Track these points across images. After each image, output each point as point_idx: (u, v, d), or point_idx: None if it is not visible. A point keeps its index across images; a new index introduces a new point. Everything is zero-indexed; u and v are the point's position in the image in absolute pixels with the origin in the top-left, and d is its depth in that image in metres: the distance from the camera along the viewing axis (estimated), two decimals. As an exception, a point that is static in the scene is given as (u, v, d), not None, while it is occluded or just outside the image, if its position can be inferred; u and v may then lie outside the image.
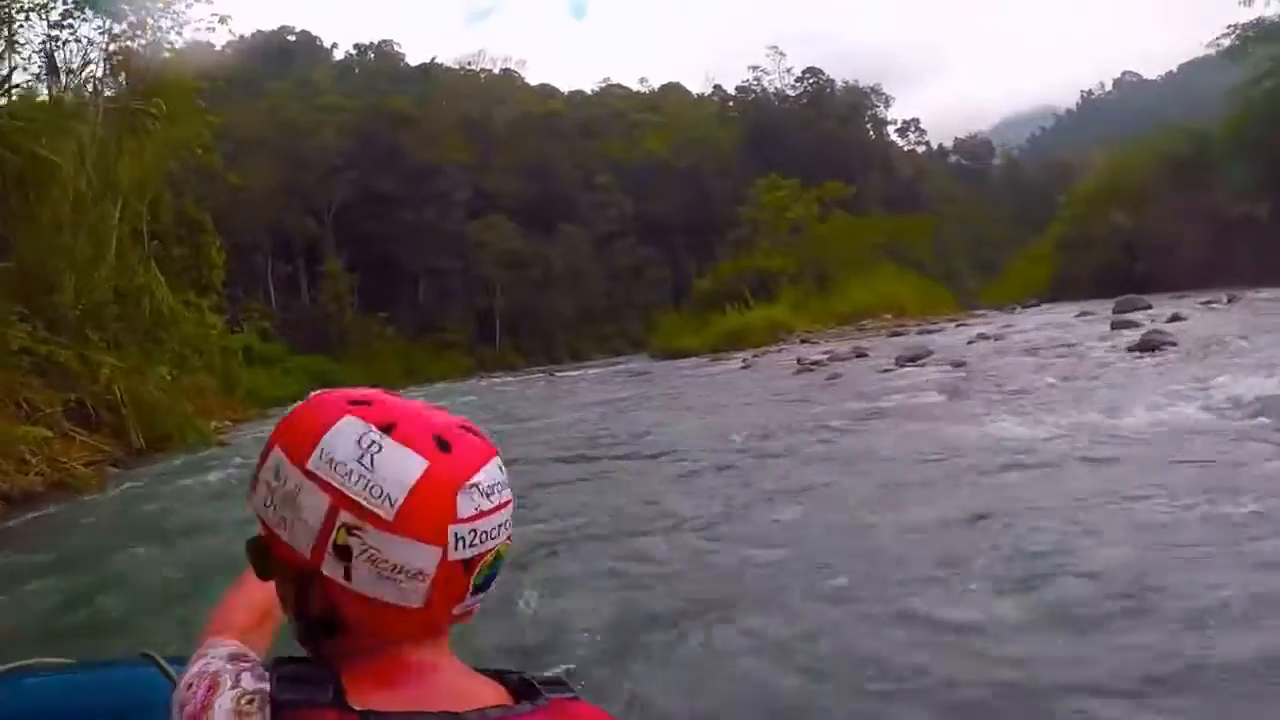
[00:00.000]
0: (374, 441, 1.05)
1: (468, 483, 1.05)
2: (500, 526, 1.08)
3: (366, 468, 1.03)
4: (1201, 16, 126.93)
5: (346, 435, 1.06)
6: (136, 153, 36.29)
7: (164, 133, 37.59)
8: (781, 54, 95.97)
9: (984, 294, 67.50)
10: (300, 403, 1.15)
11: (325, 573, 1.05)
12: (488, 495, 1.06)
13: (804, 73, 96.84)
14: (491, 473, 1.08)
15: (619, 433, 16.15)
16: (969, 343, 24.46)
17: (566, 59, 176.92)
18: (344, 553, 1.03)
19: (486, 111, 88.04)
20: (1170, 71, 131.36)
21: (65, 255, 23.45)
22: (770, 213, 63.98)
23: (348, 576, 1.04)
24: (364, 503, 1.03)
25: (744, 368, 27.58)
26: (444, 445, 1.06)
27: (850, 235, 58.55)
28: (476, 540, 1.05)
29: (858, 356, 23.82)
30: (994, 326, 30.80)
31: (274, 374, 52.36)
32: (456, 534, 1.04)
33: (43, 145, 23.76)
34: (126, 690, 1.27)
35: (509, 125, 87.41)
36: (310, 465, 1.06)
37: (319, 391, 1.16)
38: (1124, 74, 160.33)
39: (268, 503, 1.09)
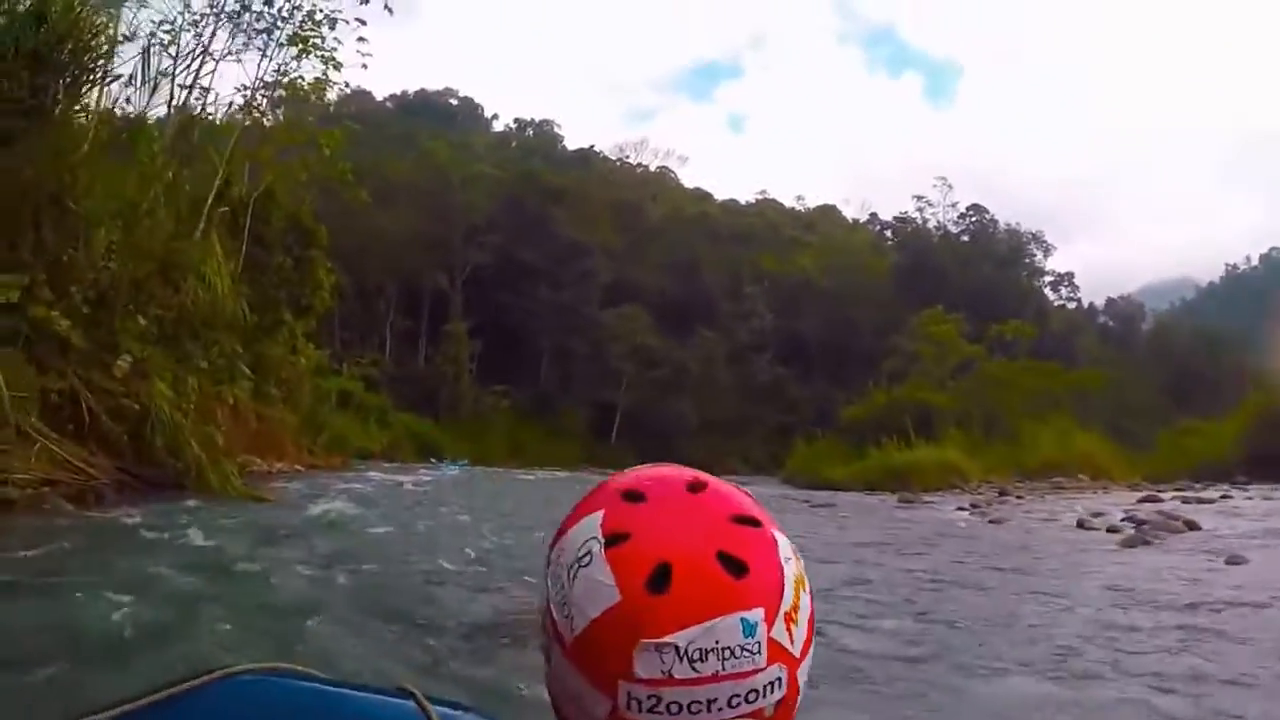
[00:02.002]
0: (590, 553, 0.88)
1: (655, 640, 0.82)
2: (714, 703, 0.82)
3: (569, 581, 0.88)
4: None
5: (580, 535, 0.90)
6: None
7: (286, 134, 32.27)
8: (949, 186, 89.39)
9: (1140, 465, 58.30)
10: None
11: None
12: (692, 661, 0.82)
13: (968, 209, 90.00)
14: (716, 633, 0.83)
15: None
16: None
17: (720, 169, 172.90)
18: (546, 655, 0.93)
19: (640, 202, 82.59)
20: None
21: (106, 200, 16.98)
22: (932, 346, 56.66)
23: (549, 676, 0.93)
24: (556, 616, 0.89)
25: (991, 522, 19.60)
26: (660, 583, 0.84)
27: (1025, 380, 50.45)
28: (662, 708, 0.83)
29: (1170, 530, 15.68)
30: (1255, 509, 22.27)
31: (369, 426, 46.06)
32: (630, 693, 0.83)
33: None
34: None
35: (662, 219, 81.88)
36: (551, 553, 0.94)
37: (650, 465, 0.98)
38: (1271, 249, 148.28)
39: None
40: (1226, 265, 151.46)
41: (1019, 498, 28.63)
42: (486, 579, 9.96)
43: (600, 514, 0.89)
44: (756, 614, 0.82)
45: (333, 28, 26.93)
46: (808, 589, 0.90)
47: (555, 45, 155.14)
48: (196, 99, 25.53)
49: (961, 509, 23.75)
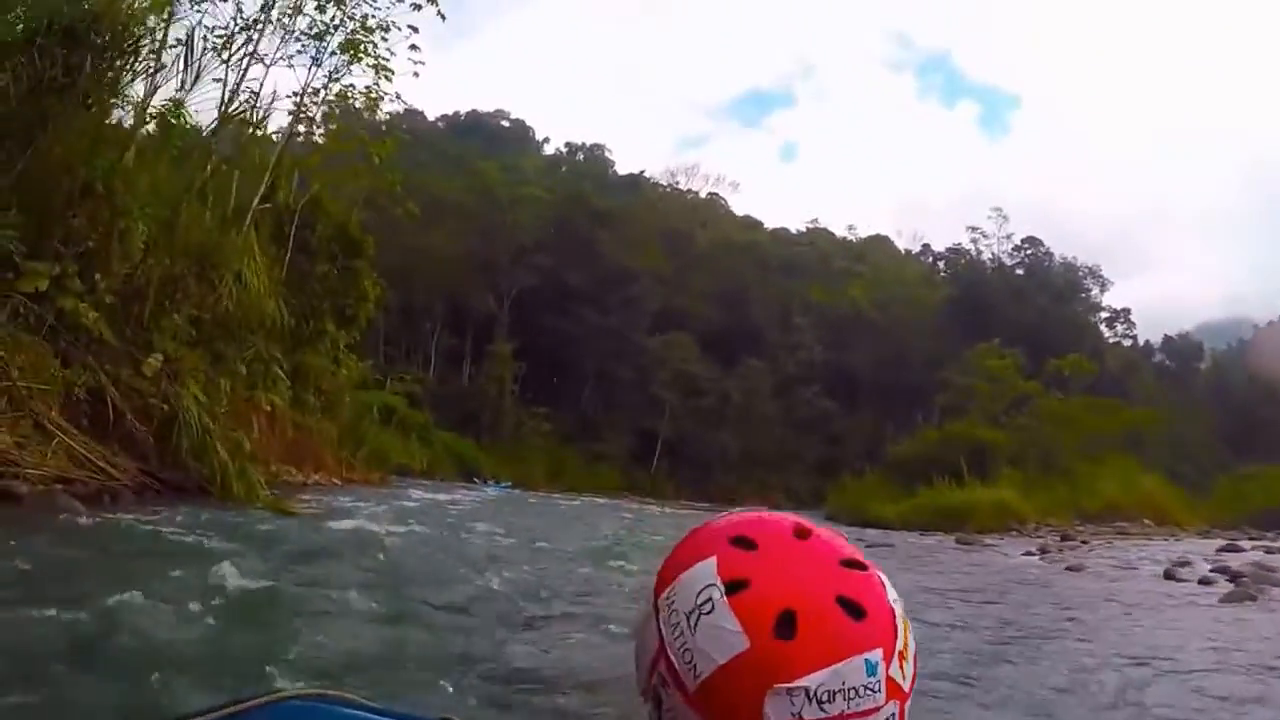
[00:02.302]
0: (711, 600, 0.89)
1: (788, 685, 0.84)
2: None
3: (690, 628, 0.89)
4: None
5: (695, 583, 0.91)
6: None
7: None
8: (1004, 218, 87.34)
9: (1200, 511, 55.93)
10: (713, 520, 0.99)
11: (648, 710, 0.95)
12: (821, 702, 0.84)
13: (1023, 241, 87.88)
14: (843, 674, 0.85)
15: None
16: None
17: (771, 198, 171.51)
18: (657, 701, 0.93)
19: (689, 228, 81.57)
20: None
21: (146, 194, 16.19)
22: (987, 381, 54.98)
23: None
24: (676, 663, 0.89)
25: (1068, 569, 18.07)
26: (787, 628, 0.86)
27: (1084, 419, 48.65)
28: None
29: (1272, 582, 14.24)
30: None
31: (410, 442, 45.16)
32: None
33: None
34: None
35: (710, 246, 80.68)
36: (660, 600, 0.94)
37: (736, 513, 1.00)
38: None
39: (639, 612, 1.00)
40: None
41: (1084, 542, 27.12)
42: (523, 611, 8.98)
43: (713, 560, 0.90)
44: (877, 654, 0.85)
45: (385, 33, 26.24)
46: (910, 627, 0.92)
47: (607, 70, 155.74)
48: (245, 102, 24.94)
49: (1029, 554, 22.29)
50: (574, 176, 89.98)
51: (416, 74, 27.79)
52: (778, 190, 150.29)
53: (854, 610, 0.87)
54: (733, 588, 0.87)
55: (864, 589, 0.89)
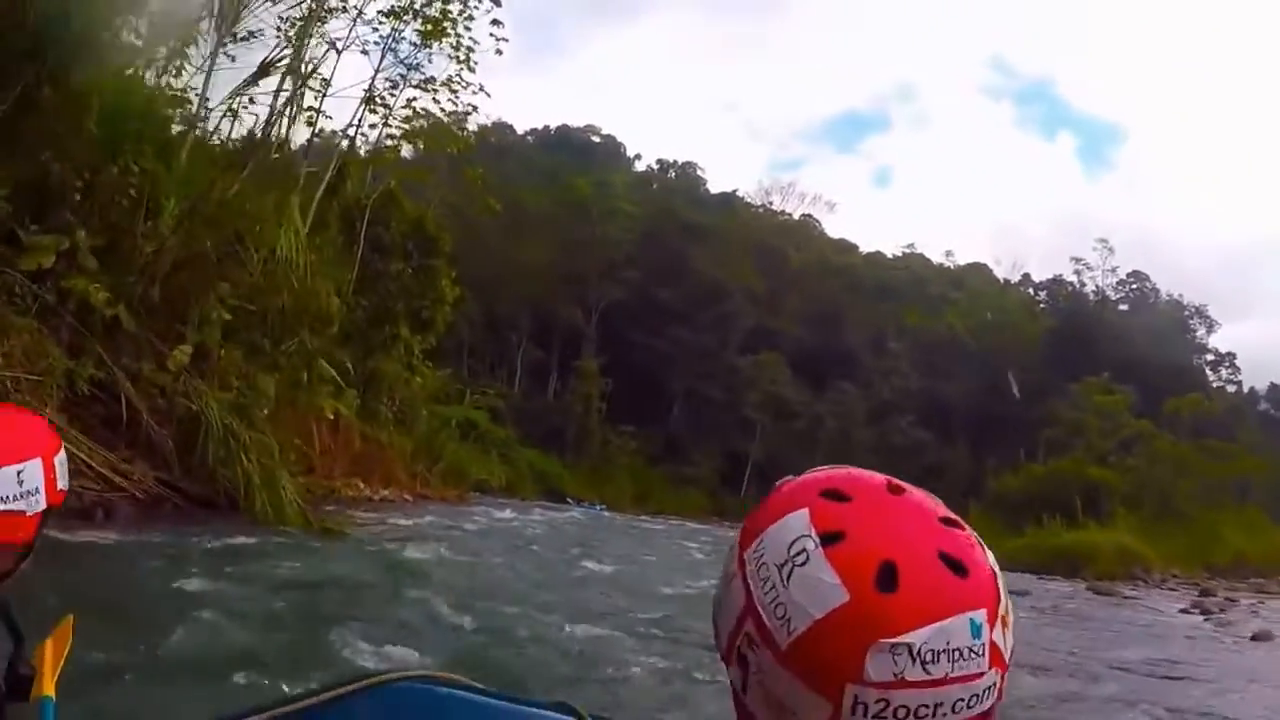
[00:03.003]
0: (805, 551, 0.82)
1: (891, 640, 0.77)
2: (940, 707, 0.78)
3: (783, 581, 0.82)
4: None
5: (786, 534, 0.84)
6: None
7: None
8: (1110, 249, 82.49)
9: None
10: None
11: (730, 674, 0.87)
12: (925, 662, 0.77)
13: (1129, 275, 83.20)
14: (948, 633, 0.78)
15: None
16: None
17: (865, 223, 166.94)
18: (743, 663, 0.85)
19: (783, 247, 78.44)
20: None
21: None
22: (1098, 418, 51.02)
23: (744, 688, 0.85)
24: (766, 620, 0.82)
25: (1253, 639, 14.66)
26: (888, 581, 0.79)
27: (1201, 463, 44.52)
28: (889, 713, 0.78)
29: None
30: None
31: (490, 459, 42.86)
32: (857, 696, 0.78)
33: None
34: None
35: (804, 266, 77.49)
36: (745, 555, 0.86)
37: (827, 469, 0.93)
38: None
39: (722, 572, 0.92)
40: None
41: (1229, 599, 23.53)
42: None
43: (805, 511, 0.84)
44: (981, 615, 0.79)
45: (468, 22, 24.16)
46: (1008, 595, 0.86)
47: (700, 90, 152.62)
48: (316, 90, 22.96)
49: (1188, 612, 18.95)
50: (665, 193, 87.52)
51: (499, 51, 25.71)
52: (872, 215, 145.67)
53: (957, 567, 0.79)
54: (828, 539, 0.81)
55: (965, 547, 0.82)
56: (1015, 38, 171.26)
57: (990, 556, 0.84)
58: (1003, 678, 0.81)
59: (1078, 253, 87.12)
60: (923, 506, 0.86)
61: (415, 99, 26.76)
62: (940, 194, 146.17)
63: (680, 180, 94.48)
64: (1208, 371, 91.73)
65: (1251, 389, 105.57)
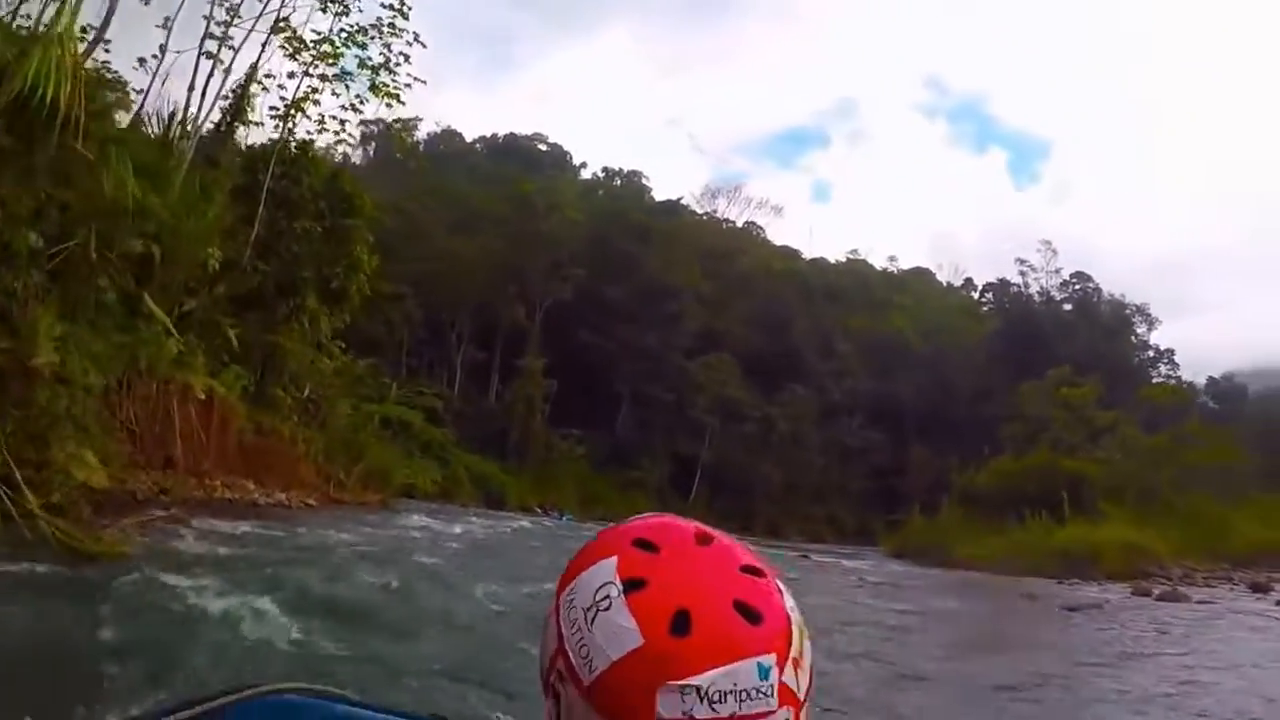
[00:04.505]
0: (609, 597, 0.84)
1: (680, 681, 0.79)
2: None
3: (588, 624, 0.84)
4: None
5: (595, 580, 0.86)
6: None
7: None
8: (1053, 251, 79.76)
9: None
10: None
11: (546, 706, 0.89)
12: (712, 702, 0.79)
13: (1072, 276, 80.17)
14: (735, 675, 0.80)
15: None
16: None
17: (806, 236, 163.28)
18: (555, 697, 0.87)
19: (729, 251, 74.00)
20: None
21: None
22: (1065, 411, 47.00)
23: (555, 717, 0.88)
24: (573, 659, 0.84)
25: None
26: (681, 626, 0.81)
27: (1182, 453, 40.61)
28: None
29: None
30: None
31: (427, 462, 37.39)
32: None
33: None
34: None
35: (750, 270, 73.08)
36: (561, 598, 0.89)
37: (649, 515, 0.94)
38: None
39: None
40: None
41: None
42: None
43: (615, 559, 0.86)
44: (770, 659, 0.81)
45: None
46: (808, 635, 0.87)
47: (644, 104, 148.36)
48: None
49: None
50: (610, 200, 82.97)
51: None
52: (814, 226, 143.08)
53: (750, 614, 0.82)
54: (631, 586, 0.83)
55: (761, 595, 0.84)
56: (949, 58, 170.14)
57: (788, 601, 0.85)
58: (797, 713, 0.82)
59: (1012, 260, 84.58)
60: (726, 556, 0.86)
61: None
62: (879, 207, 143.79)
63: (626, 188, 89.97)
64: (1149, 369, 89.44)
65: (1191, 383, 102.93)
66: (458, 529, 22.52)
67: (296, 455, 21.93)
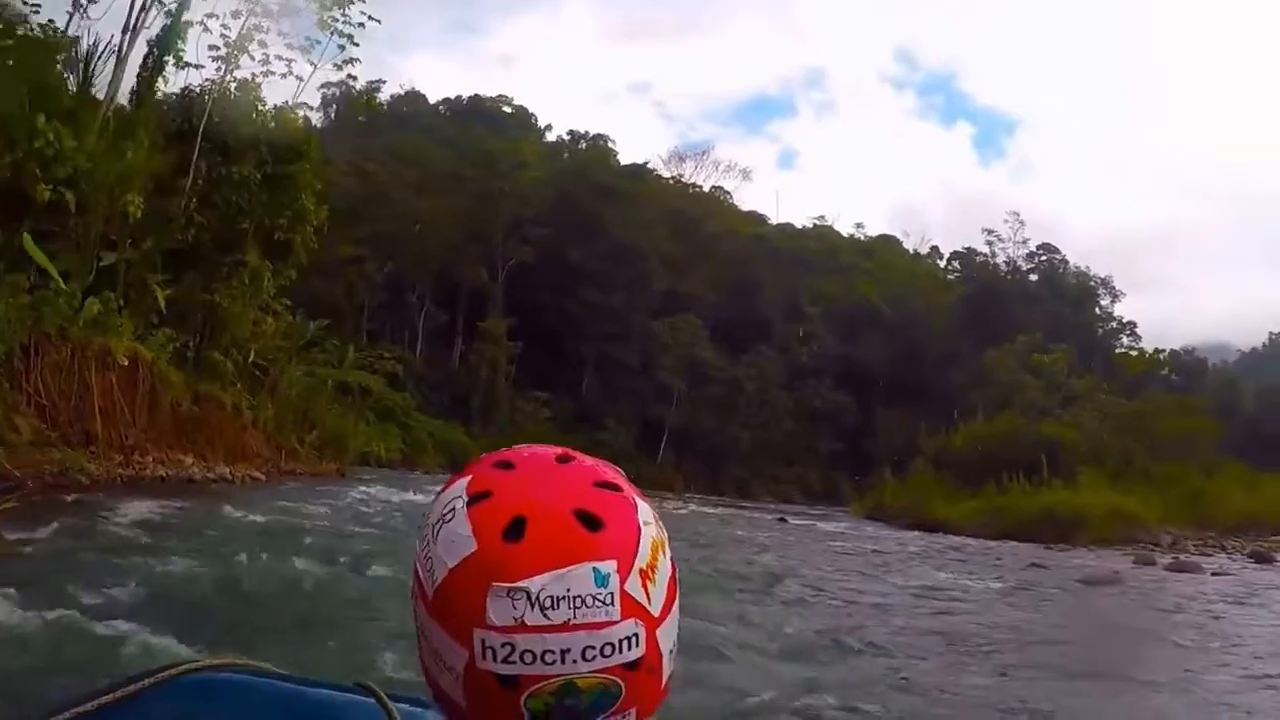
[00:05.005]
0: (453, 509, 0.82)
1: (508, 585, 0.76)
2: (567, 653, 0.76)
3: (433, 537, 0.82)
4: None
5: (447, 498, 0.85)
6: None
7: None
8: (1021, 222, 78.73)
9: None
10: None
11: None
12: (544, 608, 0.76)
13: (1039, 247, 79.19)
14: (567, 580, 0.77)
15: None
16: None
17: (771, 202, 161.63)
18: (415, 616, 0.84)
19: (697, 216, 72.00)
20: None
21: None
22: (1036, 377, 45.91)
23: (418, 639, 0.85)
24: (420, 573, 0.83)
25: None
26: (515, 533, 0.78)
27: (1161, 420, 39.59)
28: (516, 658, 0.76)
29: None
30: None
31: (388, 428, 35.40)
32: (484, 641, 0.77)
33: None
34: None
35: (717, 233, 71.26)
36: (429, 515, 0.86)
37: (524, 446, 0.91)
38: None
39: None
40: (1271, 333, 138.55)
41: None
42: None
43: (469, 478, 0.84)
44: (609, 565, 0.77)
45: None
46: (668, 554, 0.83)
47: (612, 70, 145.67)
48: None
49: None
50: (576, 162, 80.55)
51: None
52: (780, 193, 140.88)
53: (590, 521, 0.79)
54: (475, 499, 0.81)
55: (610, 505, 0.81)
56: (919, 32, 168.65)
57: (644, 516, 0.82)
58: (652, 629, 0.78)
59: (977, 232, 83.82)
60: (582, 471, 0.84)
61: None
62: (846, 175, 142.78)
63: (591, 150, 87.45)
64: (1112, 340, 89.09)
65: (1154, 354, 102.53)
66: (417, 497, 20.68)
67: (242, 425, 19.98)
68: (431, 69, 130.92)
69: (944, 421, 50.14)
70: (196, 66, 20.68)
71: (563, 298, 55.37)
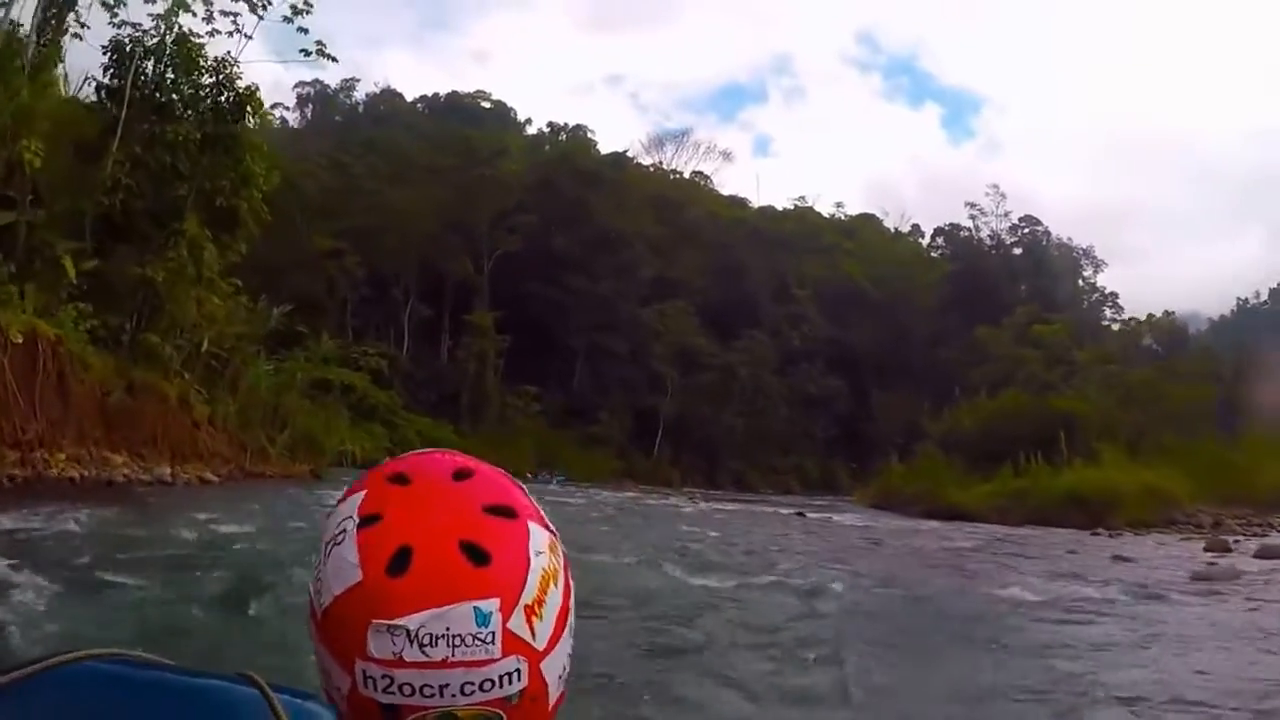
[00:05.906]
0: (345, 531, 0.79)
1: (388, 622, 0.74)
2: (446, 688, 0.74)
3: (325, 557, 0.79)
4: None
5: (341, 514, 0.81)
6: None
7: None
8: (1002, 195, 76.26)
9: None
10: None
11: None
12: (423, 645, 0.74)
13: (1021, 220, 76.77)
14: (447, 619, 0.74)
15: None
16: None
17: (749, 187, 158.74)
18: (309, 629, 0.82)
19: (679, 202, 69.31)
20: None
21: None
22: (1037, 350, 43.28)
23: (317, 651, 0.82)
24: (313, 591, 0.80)
25: None
26: (399, 566, 0.75)
27: (1174, 392, 36.92)
28: (395, 690, 0.75)
29: None
30: None
31: (372, 427, 32.50)
32: (365, 671, 0.75)
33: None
34: (223, 710, 0.90)
35: (700, 217, 68.68)
36: (325, 530, 0.83)
37: (431, 450, 0.87)
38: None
39: None
40: (1238, 299, 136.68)
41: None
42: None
43: (363, 494, 0.80)
44: (491, 604, 0.74)
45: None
46: (560, 584, 0.79)
47: (586, 62, 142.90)
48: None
49: None
50: (558, 153, 77.66)
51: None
52: (760, 177, 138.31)
53: (476, 555, 0.75)
54: (366, 521, 0.77)
55: (500, 536, 0.77)
56: (879, 16, 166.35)
57: (536, 545, 0.78)
58: (536, 663, 0.75)
59: (954, 208, 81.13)
60: (475, 494, 0.79)
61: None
62: (823, 157, 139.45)
63: (572, 141, 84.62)
64: (1097, 310, 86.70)
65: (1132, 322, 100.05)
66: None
67: (194, 421, 17.08)
68: (407, 68, 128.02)
69: (942, 401, 47.54)
70: (133, 27, 17.87)
71: (551, 287, 52.67)
